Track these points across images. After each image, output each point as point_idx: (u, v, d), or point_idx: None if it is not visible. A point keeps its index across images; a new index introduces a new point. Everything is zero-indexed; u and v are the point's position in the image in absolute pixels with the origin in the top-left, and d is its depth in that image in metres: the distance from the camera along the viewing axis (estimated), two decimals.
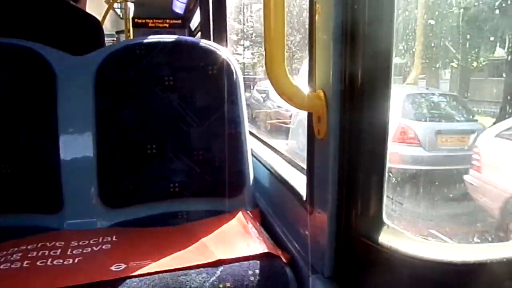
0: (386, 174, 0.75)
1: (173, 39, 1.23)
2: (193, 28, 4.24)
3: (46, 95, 1.14)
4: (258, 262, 0.89)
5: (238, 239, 0.99)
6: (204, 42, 1.24)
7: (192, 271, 0.85)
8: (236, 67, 1.23)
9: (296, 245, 0.98)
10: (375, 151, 0.76)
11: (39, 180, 1.13)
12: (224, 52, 1.23)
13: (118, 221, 1.15)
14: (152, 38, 1.22)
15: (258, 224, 1.10)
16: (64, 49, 1.21)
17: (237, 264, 0.88)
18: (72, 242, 0.98)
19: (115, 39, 7.04)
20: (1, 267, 0.86)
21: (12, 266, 0.87)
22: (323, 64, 0.79)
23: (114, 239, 1.01)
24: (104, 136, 1.15)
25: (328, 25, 0.76)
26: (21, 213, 1.14)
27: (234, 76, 1.22)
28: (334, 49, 0.75)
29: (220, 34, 2.02)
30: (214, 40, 2.03)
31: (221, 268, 0.87)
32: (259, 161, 1.35)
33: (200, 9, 2.37)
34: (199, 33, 3.12)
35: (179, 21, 4.49)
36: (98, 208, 1.14)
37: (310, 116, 0.83)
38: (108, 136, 1.15)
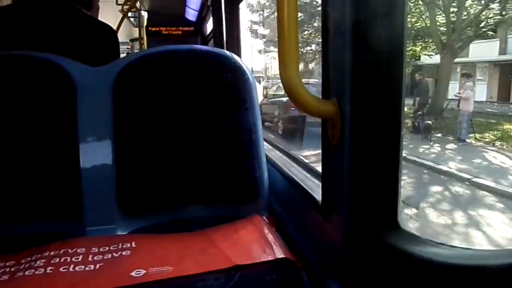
0: (400, 178, 0.76)
1: (188, 48, 1.25)
2: (205, 35, 4.29)
3: (66, 105, 1.18)
4: (275, 267, 0.90)
5: (254, 244, 1.00)
6: (218, 50, 1.27)
7: (210, 276, 0.87)
8: (250, 74, 1.25)
9: (312, 250, 0.99)
10: (389, 155, 0.77)
11: (59, 188, 1.17)
12: (238, 60, 1.25)
13: (137, 227, 1.17)
14: (168, 48, 1.25)
15: (273, 229, 1.11)
16: (81, 59, 1.25)
17: (254, 269, 0.89)
18: (93, 249, 1.01)
19: (129, 47, 7.16)
20: (26, 273, 0.89)
21: (36, 272, 0.89)
22: (336, 70, 0.81)
23: (133, 245, 1.03)
24: (122, 144, 1.18)
25: (342, 33, 0.77)
26: (42, 220, 1.17)
27: (249, 83, 1.24)
28: (347, 56, 0.77)
29: (233, 42, 2.04)
30: (227, 48, 2.06)
31: (238, 274, 0.88)
32: (274, 166, 1.36)
33: (212, 17, 2.40)
34: (212, 40, 3.16)
35: (192, 28, 4.55)
36: (117, 215, 1.17)
37: (324, 122, 0.84)
38: (126, 145, 1.18)
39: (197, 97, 1.21)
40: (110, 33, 1.56)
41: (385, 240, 0.72)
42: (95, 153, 1.17)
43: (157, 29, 4.59)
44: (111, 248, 1.01)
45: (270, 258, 0.92)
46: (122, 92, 1.20)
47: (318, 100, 0.81)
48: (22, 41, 1.35)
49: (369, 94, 0.77)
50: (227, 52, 1.26)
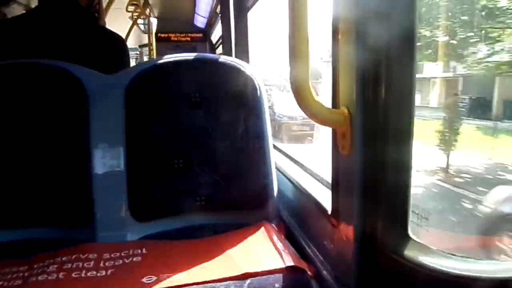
0: (411, 189, 0.76)
1: (199, 57, 1.27)
2: (214, 41, 4.32)
3: (79, 112, 1.19)
4: (284, 275, 0.90)
5: (264, 252, 1.01)
6: (228, 59, 1.28)
7: (220, 284, 0.88)
8: (259, 82, 1.26)
9: (322, 258, 0.99)
10: (400, 165, 0.77)
11: (72, 194, 1.18)
12: (247, 68, 1.26)
13: (147, 233, 1.18)
14: (178, 56, 1.26)
15: (282, 236, 1.11)
16: (92, 66, 1.27)
17: (264, 277, 0.90)
18: (104, 255, 1.02)
19: (138, 52, 7.22)
20: (39, 278, 0.91)
21: (49, 277, 0.91)
22: (346, 80, 0.81)
23: (144, 251, 1.04)
24: (134, 151, 1.19)
25: (351, 43, 0.78)
26: (54, 226, 1.18)
27: (258, 91, 1.25)
28: (357, 66, 0.77)
29: (242, 50, 2.06)
30: (236, 56, 2.08)
31: (248, 281, 0.88)
32: (283, 174, 1.37)
33: (222, 24, 2.43)
34: (221, 47, 3.19)
35: (200, 35, 4.60)
36: (128, 221, 1.18)
37: (334, 132, 0.85)
38: (137, 152, 1.20)
39: (207, 106, 1.22)
40: (120, 43, 1.59)
41: (396, 250, 0.72)
42: (107, 160, 1.18)
43: (166, 35, 4.64)
44: (122, 254, 1.03)
45: (280, 266, 0.93)
46: (134, 99, 1.22)
47: (328, 109, 0.81)
48: (36, 49, 1.38)
49: (379, 103, 0.77)
50: (237, 61, 1.27)
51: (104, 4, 2.31)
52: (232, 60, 1.28)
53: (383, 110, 0.77)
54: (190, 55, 1.28)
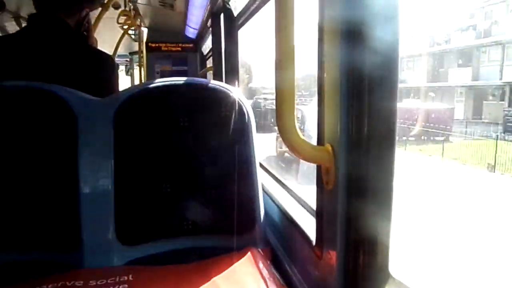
0: (392, 227, 0.78)
1: (188, 82, 1.28)
2: (205, 53, 4.34)
3: (67, 136, 1.20)
4: None
5: (249, 279, 1.02)
6: (216, 84, 1.30)
7: None
8: (247, 108, 1.28)
9: (306, 287, 1.00)
10: (381, 202, 0.79)
11: (60, 218, 1.18)
12: (236, 92, 1.28)
13: (134, 257, 1.19)
14: (168, 81, 1.28)
15: (268, 262, 1.13)
16: (80, 87, 1.28)
17: None
18: (91, 282, 1.02)
19: (128, 59, 7.20)
20: None
21: None
22: (331, 118, 0.84)
23: (130, 278, 1.04)
24: (122, 174, 1.20)
25: (335, 83, 0.80)
26: (41, 249, 1.18)
27: (246, 116, 1.26)
28: (342, 105, 0.80)
29: (231, 71, 2.08)
30: (226, 77, 2.09)
31: None
32: (271, 198, 1.39)
33: (212, 43, 2.45)
34: (211, 58, 3.21)
35: (191, 45, 4.61)
36: (115, 245, 1.18)
37: (319, 168, 0.87)
38: (125, 175, 1.20)
39: (196, 130, 1.24)
40: (108, 62, 1.59)
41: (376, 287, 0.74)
42: (95, 184, 1.19)
43: (157, 45, 4.65)
44: (109, 281, 1.03)
45: None
46: (123, 123, 1.23)
47: (312, 147, 0.84)
48: (23, 70, 1.38)
49: (362, 140, 0.80)
50: (227, 86, 1.29)
51: (94, 19, 2.31)
52: (221, 85, 1.30)
53: (366, 148, 0.80)
54: (179, 79, 1.29)
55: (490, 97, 21.50)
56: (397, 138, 0.83)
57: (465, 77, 22.42)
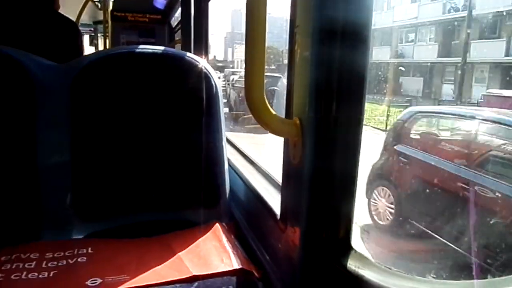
0: (355, 201, 0.79)
1: (154, 50, 1.23)
2: (174, 25, 4.20)
3: (25, 103, 1.13)
4: (232, 278, 0.92)
5: (212, 253, 1.01)
6: (183, 54, 1.26)
7: (167, 287, 0.88)
8: (215, 80, 1.25)
9: (270, 261, 1.01)
10: (346, 177, 0.80)
11: (18, 189, 1.12)
12: (204, 65, 1.25)
13: (94, 230, 1.15)
14: (132, 48, 1.22)
15: (232, 237, 1.12)
16: (44, 53, 1.20)
17: (211, 280, 0.91)
18: (47, 254, 0.98)
19: (92, 29, 6.89)
20: None
21: None
22: (300, 92, 0.83)
23: (89, 251, 1.01)
24: (79, 147, 1.15)
25: (306, 57, 0.79)
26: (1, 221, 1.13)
27: (214, 88, 1.23)
28: (311, 79, 0.79)
29: (200, 44, 2.02)
30: (194, 47, 2.03)
31: (195, 284, 0.89)
32: (236, 172, 1.38)
33: (181, 12, 2.36)
34: (180, 31, 3.11)
35: (159, 17, 4.43)
36: (73, 218, 1.14)
37: (286, 141, 0.87)
38: (83, 147, 1.15)
39: (160, 101, 1.20)
40: (72, 28, 1.52)
41: (338, 260, 0.75)
42: (53, 155, 1.13)
43: (123, 14, 4.43)
44: (67, 253, 0.99)
45: (228, 268, 0.94)
46: (81, 91, 1.17)
47: (281, 120, 0.83)
48: None
49: (330, 115, 0.79)
50: (194, 57, 1.25)
51: None
52: (189, 56, 1.25)
53: (334, 122, 0.80)
54: (146, 47, 1.24)
55: None
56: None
57: None
